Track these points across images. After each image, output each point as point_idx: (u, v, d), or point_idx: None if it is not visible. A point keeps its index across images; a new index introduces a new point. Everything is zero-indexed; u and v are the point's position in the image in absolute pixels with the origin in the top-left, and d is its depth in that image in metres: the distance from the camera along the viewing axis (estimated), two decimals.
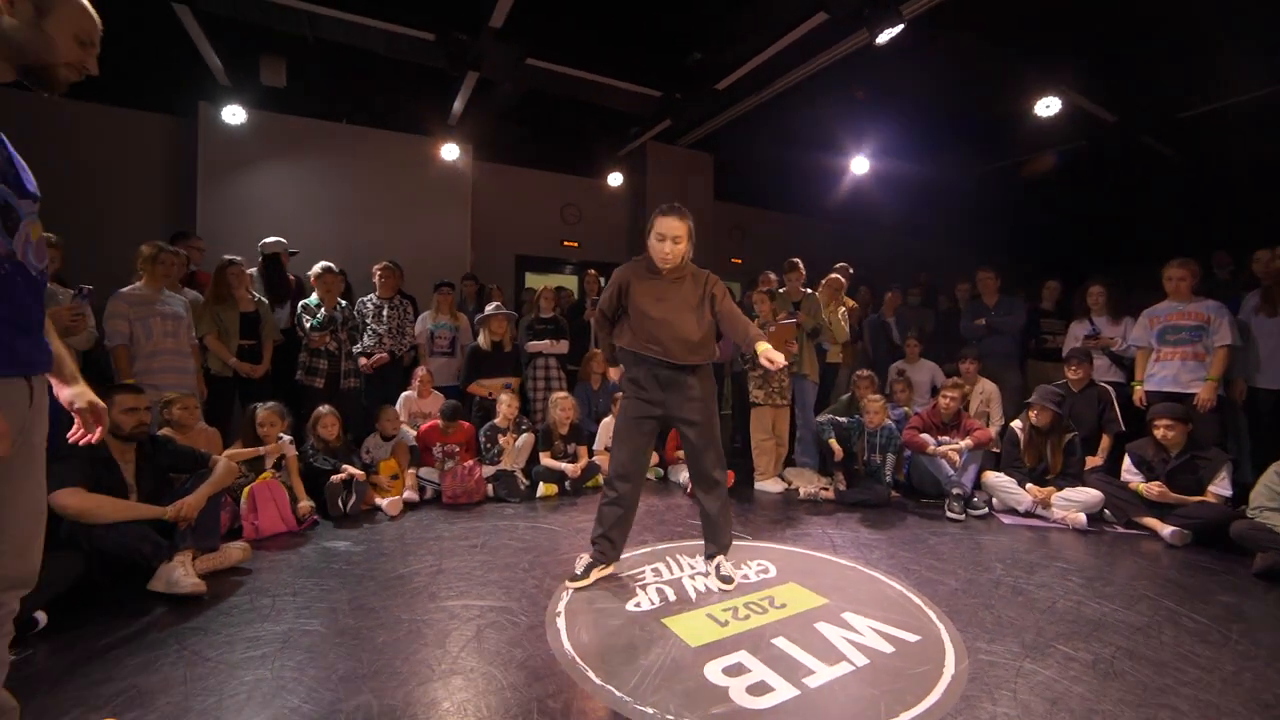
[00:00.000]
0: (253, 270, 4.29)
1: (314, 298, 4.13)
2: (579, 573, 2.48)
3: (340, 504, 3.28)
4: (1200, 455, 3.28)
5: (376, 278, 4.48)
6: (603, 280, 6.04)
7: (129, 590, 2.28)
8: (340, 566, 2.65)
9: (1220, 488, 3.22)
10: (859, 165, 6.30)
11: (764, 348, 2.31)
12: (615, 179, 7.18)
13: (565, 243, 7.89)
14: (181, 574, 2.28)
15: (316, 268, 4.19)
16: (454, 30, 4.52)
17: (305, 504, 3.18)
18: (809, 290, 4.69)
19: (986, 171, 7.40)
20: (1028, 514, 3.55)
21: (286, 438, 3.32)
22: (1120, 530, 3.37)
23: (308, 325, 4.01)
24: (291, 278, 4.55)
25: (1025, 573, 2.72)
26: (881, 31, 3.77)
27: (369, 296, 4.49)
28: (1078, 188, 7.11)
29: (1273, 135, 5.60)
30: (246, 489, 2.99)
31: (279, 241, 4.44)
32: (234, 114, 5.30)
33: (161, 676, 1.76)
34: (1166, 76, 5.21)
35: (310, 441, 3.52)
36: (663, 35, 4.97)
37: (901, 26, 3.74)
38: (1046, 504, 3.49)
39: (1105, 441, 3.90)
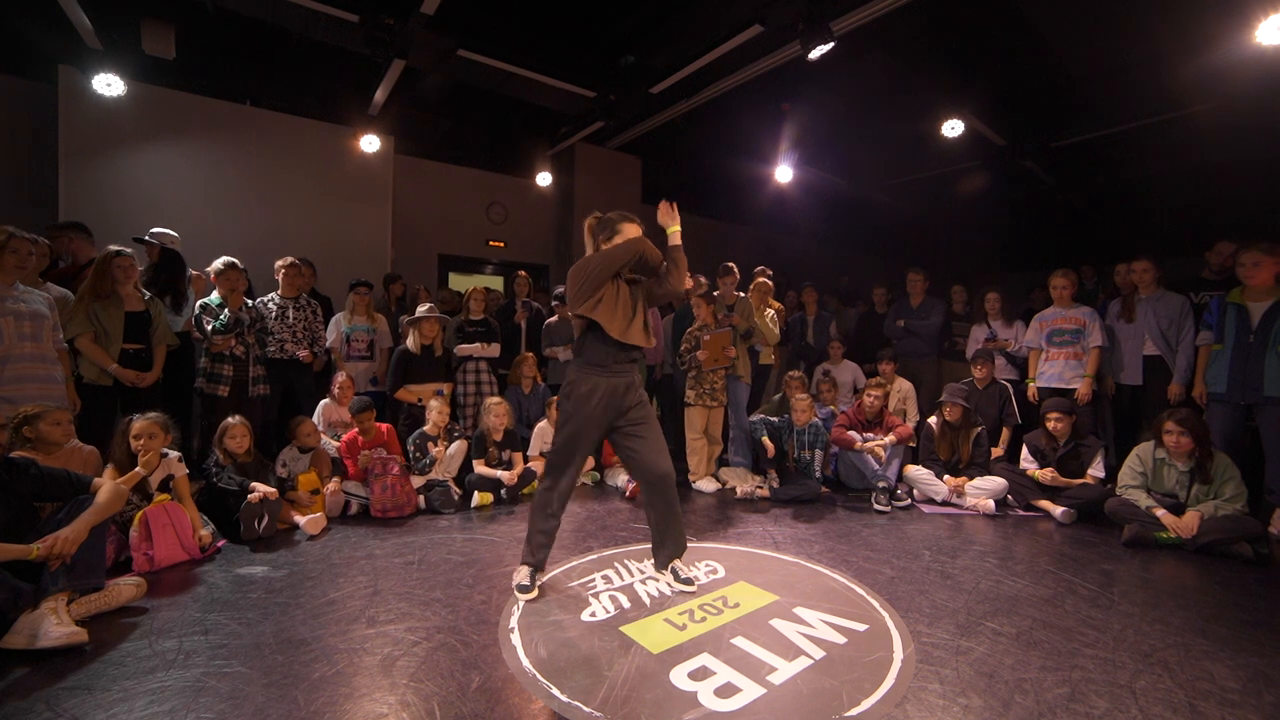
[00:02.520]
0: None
1: (215, 296, 3.70)
2: (526, 584, 2.40)
3: (256, 525, 2.96)
4: (1082, 443, 3.74)
5: (280, 276, 4.11)
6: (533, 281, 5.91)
7: None
8: (259, 596, 2.38)
9: (1096, 470, 3.69)
10: (782, 174, 6.57)
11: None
12: (544, 178, 7.02)
13: (491, 242, 7.64)
14: (53, 623, 1.92)
15: (218, 263, 3.75)
16: (381, 13, 4.21)
17: (204, 531, 2.82)
18: (741, 294, 4.82)
19: (901, 183, 8.00)
20: (944, 503, 3.85)
21: (174, 454, 2.88)
22: (1020, 513, 3.74)
23: (209, 328, 3.59)
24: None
25: (949, 557, 2.94)
26: (814, 47, 3.95)
27: (270, 296, 4.10)
28: (977, 202, 7.89)
29: (1128, 164, 6.50)
30: (139, 514, 2.61)
31: (171, 235, 3.95)
32: (108, 84, 4.64)
33: None
34: (1047, 109, 5.88)
35: (215, 456, 3.15)
36: (599, 36, 4.93)
37: (833, 44, 3.94)
38: (960, 493, 3.81)
39: (1005, 434, 4.33)
